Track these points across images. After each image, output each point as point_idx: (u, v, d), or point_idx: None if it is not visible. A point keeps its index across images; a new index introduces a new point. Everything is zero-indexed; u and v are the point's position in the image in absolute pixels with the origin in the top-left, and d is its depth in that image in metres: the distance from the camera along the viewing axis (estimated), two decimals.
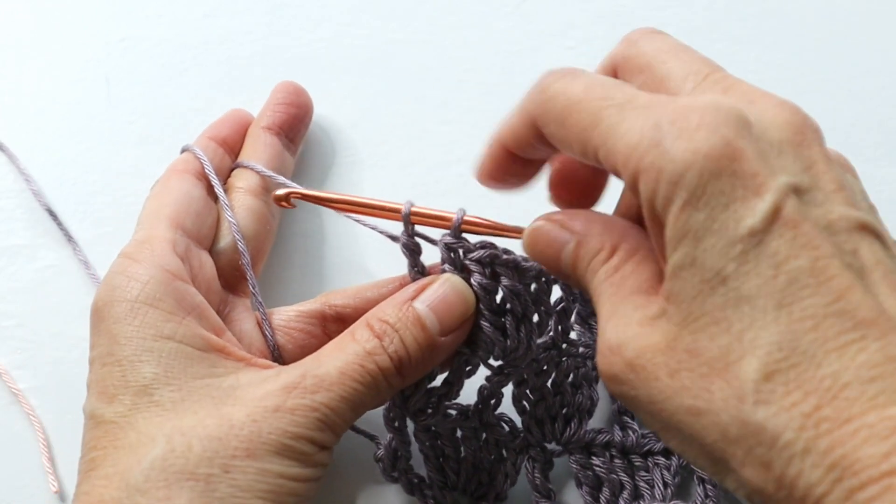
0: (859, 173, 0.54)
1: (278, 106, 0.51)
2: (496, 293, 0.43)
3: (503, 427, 0.46)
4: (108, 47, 0.57)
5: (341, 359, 0.40)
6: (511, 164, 0.39)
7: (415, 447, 0.46)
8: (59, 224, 0.52)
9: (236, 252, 0.46)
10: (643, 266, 0.34)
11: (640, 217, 0.34)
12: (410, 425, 0.45)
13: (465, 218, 0.42)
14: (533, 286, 0.43)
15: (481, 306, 0.43)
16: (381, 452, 0.45)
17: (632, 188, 0.32)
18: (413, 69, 0.57)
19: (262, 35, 0.58)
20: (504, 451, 0.46)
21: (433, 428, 0.46)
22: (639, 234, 0.36)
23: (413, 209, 0.42)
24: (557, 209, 0.40)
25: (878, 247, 0.31)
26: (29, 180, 0.53)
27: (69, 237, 0.52)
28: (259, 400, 0.39)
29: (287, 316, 0.46)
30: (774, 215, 0.30)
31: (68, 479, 0.47)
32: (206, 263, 0.45)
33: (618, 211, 0.40)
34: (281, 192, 0.45)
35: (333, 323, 0.46)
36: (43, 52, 0.57)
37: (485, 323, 0.43)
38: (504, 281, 0.42)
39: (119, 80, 0.57)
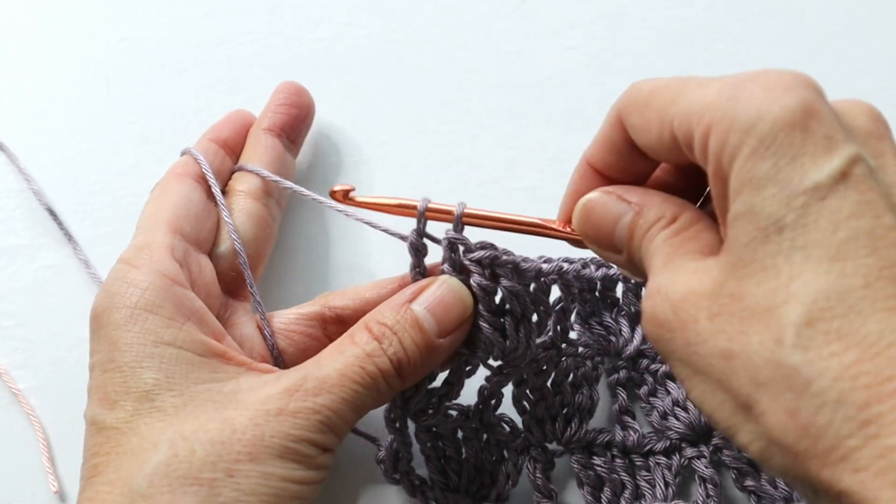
0: None
1: (279, 107, 0.51)
2: (495, 294, 0.43)
3: (504, 427, 0.46)
4: (108, 47, 0.57)
5: (341, 361, 0.40)
6: (596, 188, 0.39)
7: (416, 449, 0.46)
8: (60, 224, 0.52)
9: (236, 256, 0.46)
10: (703, 235, 0.35)
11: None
12: (412, 427, 0.45)
13: (466, 211, 0.42)
14: (532, 286, 0.43)
15: (480, 307, 0.43)
16: (382, 454, 0.45)
17: (702, 147, 0.32)
18: (413, 69, 0.57)
19: (262, 35, 0.58)
20: (505, 452, 0.46)
21: (434, 429, 0.46)
22: (699, 211, 0.36)
23: (429, 205, 0.42)
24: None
25: None
26: (29, 180, 0.53)
27: (69, 237, 0.52)
28: (261, 403, 0.39)
29: (287, 319, 0.46)
30: (842, 176, 0.30)
31: (68, 479, 0.47)
32: (206, 268, 0.45)
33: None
34: (338, 188, 0.43)
35: (333, 325, 0.46)
36: (43, 52, 0.57)
37: (484, 324, 0.43)
38: (503, 282, 0.42)
39: (119, 80, 0.57)
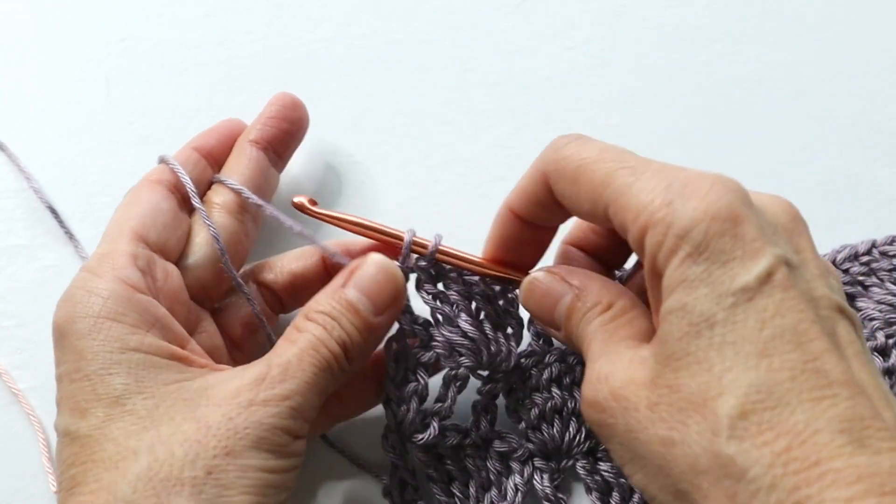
0: (859, 173, 0.55)
1: (270, 119, 0.50)
2: (471, 301, 0.45)
3: (504, 440, 0.47)
4: (108, 47, 0.57)
5: (297, 347, 0.41)
6: (519, 231, 0.43)
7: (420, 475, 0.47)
8: (61, 222, 0.52)
9: (205, 268, 0.46)
10: (636, 321, 0.38)
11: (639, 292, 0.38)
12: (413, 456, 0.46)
13: (440, 248, 0.44)
14: (501, 301, 0.46)
15: (462, 314, 0.44)
16: (388, 485, 0.46)
17: (637, 242, 0.35)
18: (413, 69, 0.57)
19: (262, 35, 0.58)
20: (511, 464, 0.46)
21: (436, 450, 0.46)
22: (632, 296, 0.39)
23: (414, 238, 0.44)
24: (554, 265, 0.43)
25: (852, 329, 0.34)
26: (29, 179, 0.53)
27: (70, 235, 0.52)
28: (232, 397, 0.39)
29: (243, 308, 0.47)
30: (767, 277, 0.33)
31: None
32: (173, 274, 0.44)
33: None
34: (298, 199, 0.46)
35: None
36: (43, 52, 0.57)
37: (469, 327, 0.44)
38: (475, 289, 0.45)
39: (119, 80, 0.57)
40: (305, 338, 0.41)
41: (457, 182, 0.54)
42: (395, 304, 0.43)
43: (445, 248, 0.44)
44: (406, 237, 0.44)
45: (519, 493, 0.46)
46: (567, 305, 0.40)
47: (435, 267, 0.45)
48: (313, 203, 0.46)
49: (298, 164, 0.54)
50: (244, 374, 0.40)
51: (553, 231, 0.44)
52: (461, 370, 0.45)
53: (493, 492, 0.46)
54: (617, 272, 0.46)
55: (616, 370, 0.36)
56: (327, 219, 0.45)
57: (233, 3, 0.59)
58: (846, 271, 0.51)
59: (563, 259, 0.45)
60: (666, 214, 0.34)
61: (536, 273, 0.42)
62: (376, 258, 0.43)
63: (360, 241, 0.46)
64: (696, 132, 0.56)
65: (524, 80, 0.57)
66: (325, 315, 0.42)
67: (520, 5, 0.59)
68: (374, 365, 0.46)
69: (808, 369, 0.31)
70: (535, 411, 0.47)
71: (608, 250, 0.44)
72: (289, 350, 0.41)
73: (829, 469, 0.30)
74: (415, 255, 0.44)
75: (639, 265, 0.44)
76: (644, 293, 0.37)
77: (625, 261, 0.46)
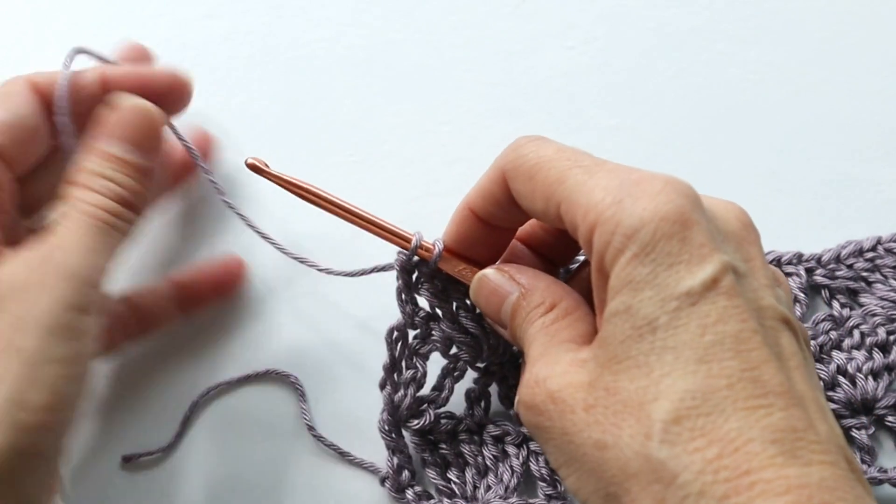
0: (859, 173, 0.55)
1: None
2: (466, 298, 0.45)
3: (497, 425, 0.47)
4: (109, 47, 0.57)
5: (72, 220, 0.40)
6: (476, 231, 0.42)
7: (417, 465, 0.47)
8: None
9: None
10: (578, 324, 0.38)
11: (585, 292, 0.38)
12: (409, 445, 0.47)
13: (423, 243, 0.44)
14: None
15: (462, 312, 0.45)
16: (385, 472, 0.46)
17: (586, 240, 0.35)
18: (413, 69, 0.57)
19: (262, 35, 0.58)
20: (506, 448, 0.47)
21: (431, 437, 0.47)
22: (578, 297, 0.39)
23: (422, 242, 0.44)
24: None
25: (796, 342, 0.34)
26: None
27: None
28: (20, 279, 0.38)
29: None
30: (713, 283, 0.32)
31: (69, 478, 0.47)
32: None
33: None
34: (251, 160, 0.44)
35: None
36: (43, 52, 0.57)
37: (469, 323, 0.45)
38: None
39: None
40: (77, 207, 0.40)
41: (457, 182, 0.54)
42: (157, 141, 0.43)
43: (448, 255, 0.44)
44: (414, 239, 0.43)
45: (515, 476, 0.46)
46: (513, 304, 0.40)
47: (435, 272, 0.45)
48: (266, 165, 0.44)
49: (298, 163, 0.54)
50: (31, 253, 0.39)
51: (510, 234, 0.43)
52: (460, 363, 0.46)
53: (490, 477, 0.47)
54: (562, 269, 0.46)
55: (554, 373, 0.35)
56: (284, 183, 0.44)
57: (233, 3, 0.59)
58: (850, 267, 0.51)
59: (509, 254, 0.44)
60: (615, 213, 0.33)
61: (487, 270, 0.42)
62: (128, 98, 0.42)
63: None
64: (696, 132, 0.56)
65: (524, 80, 0.58)
66: (88, 174, 0.41)
67: (520, 5, 0.59)
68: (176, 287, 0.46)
69: (746, 378, 0.31)
70: None
71: (555, 248, 0.44)
72: (65, 226, 0.39)
73: (759, 479, 0.30)
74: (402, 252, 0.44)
75: (583, 265, 0.44)
76: (587, 293, 0.37)
77: (570, 260, 0.46)
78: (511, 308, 0.40)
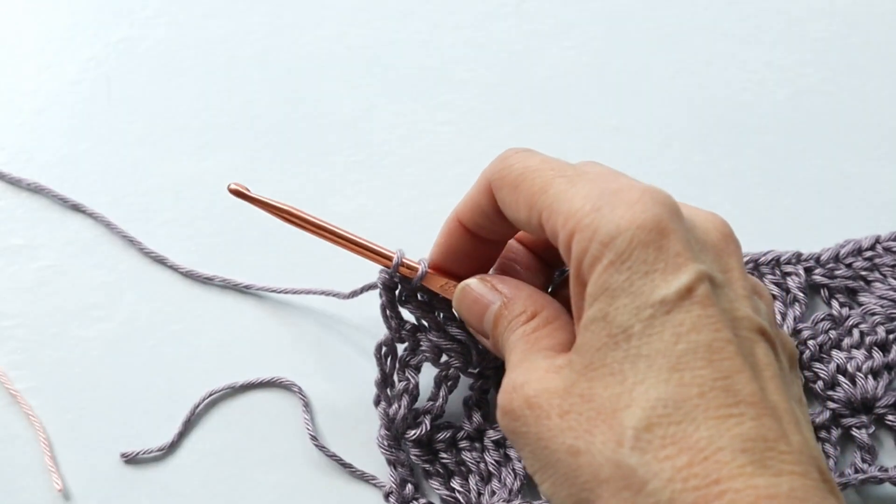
0: (859, 173, 0.55)
1: None
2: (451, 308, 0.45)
3: (497, 430, 0.47)
4: (108, 47, 0.57)
5: None
6: (465, 243, 0.43)
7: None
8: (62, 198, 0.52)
9: None
10: (558, 332, 0.38)
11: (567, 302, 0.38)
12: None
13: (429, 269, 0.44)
14: None
15: (448, 322, 0.45)
16: (388, 487, 0.46)
17: (565, 248, 0.35)
18: (413, 69, 0.57)
19: (262, 35, 0.58)
20: (508, 452, 0.47)
21: (433, 446, 0.47)
22: (559, 307, 0.40)
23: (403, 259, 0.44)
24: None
25: (772, 353, 0.34)
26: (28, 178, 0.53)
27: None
28: None
29: None
30: (687, 292, 0.32)
31: (69, 478, 0.47)
32: None
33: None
34: (234, 185, 0.44)
35: None
36: (43, 52, 0.57)
37: (456, 330, 0.45)
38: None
39: (119, 80, 0.57)
40: None
41: (457, 182, 0.54)
42: None
43: (433, 273, 0.44)
44: (395, 257, 0.44)
45: (518, 479, 0.46)
46: (495, 313, 0.40)
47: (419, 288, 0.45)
48: (247, 190, 0.44)
49: (298, 163, 0.54)
50: None
51: (499, 247, 0.44)
52: (451, 371, 0.46)
53: (494, 482, 0.47)
54: (557, 272, 0.46)
55: (531, 379, 0.36)
56: (267, 207, 0.44)
57: (233, 3, 0.59)
58: (849, 266, 0.51)
59: (506, 253, 0.45)
60: (592, 220, 0.34)
61: (469, 280, 0.42)
62: None
63: None
64: (696, 132, 0.56)
65: (524, 80, 0.58)
66: None
67: (520, 5, 0.59)
68: None
69: (718, 387, 0.31)
70: None
71: (550, 249, 0.44)
72: None
73: (728, 488, 0.30)
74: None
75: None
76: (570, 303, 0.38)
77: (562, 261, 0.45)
78: (493, 317, 0.41)
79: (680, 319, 0.32)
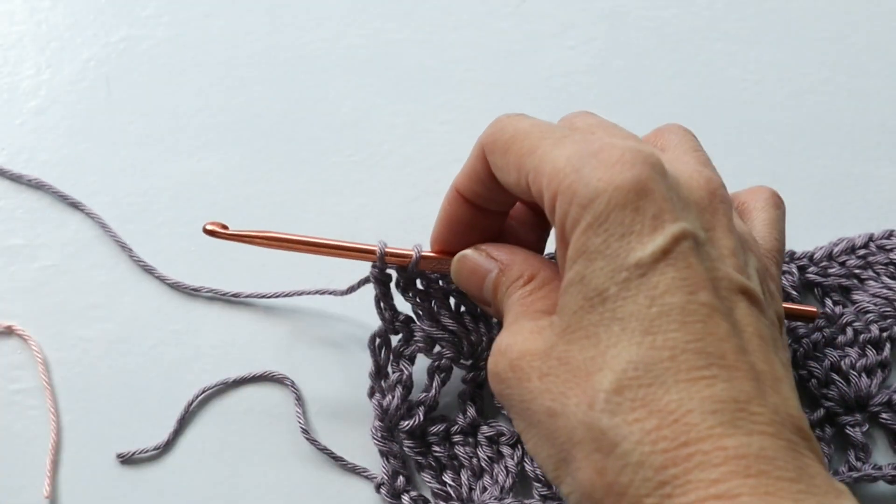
0: (859, 173, 0.55)
1: None
2: (449, 298, 0.46)
3: (491, 425, 0.48)
4: (108, 47, 0.57)
5: None
6: (465, 214, 0.42)
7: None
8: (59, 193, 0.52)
9: None
10: (553, 293, 0.38)
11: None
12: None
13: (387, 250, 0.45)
14: None
15: (442, 311, 0.46)
16: (380, 478, 0.46)
17: (549, 209, 0.35)
18: (413, 69, 0.57)
19: (262, 35, 0.58)
20: (501, 449, 0.47)
21: (426, 438, 0.47)
22: (554, 269, 0.39)
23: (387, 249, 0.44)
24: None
25: (755, 311, 0.34)
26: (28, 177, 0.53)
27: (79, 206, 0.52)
28: None
29: None
30: (662, 255, 0.32)
31: (70, 478, 0.47)
32: None
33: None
34: (210, 226, 0.45)
35: None
36: (43, 52, 0.57)
37: (448, 321, 0.45)
38: (454, 284, 0.45)
39: (119, 80, 0.57)
40: None
41: None
42: None
43: (426, 254, 0.44)
44: (378, 249, 0.44)
45: (510, 476, 0.46)
46: (493, 280, 0.40)
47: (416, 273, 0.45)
48: (224, 227, 0.45)
49: (298, 163, 0.54)
50: None
51: (501, 218, 0.43)
52: (443, 361, 0.47)
53: (486, 478, 0.47)
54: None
55: (516, 342, 0.36)
56: (244, 239, 0.45)
57: (233, 3, 0.59)
58: (843, 264, 0.51)
59: (514, 211, 0.44)
60: (573, 182, 0.33)
61: (465, 251, 0.42)
62: None
63: None
64: (696, 132, 0.56)
65: (524, 80, 0.58)
66: None
67: (520, 5, 0.59)
68: None
69: (690, 349, 0.31)
70: None
71: (493, 202, 0.44)
72: None
73: (697, 450, 0.30)
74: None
75: None
76: None
77: None
78: (492, 284, 0.41)
79: (655, 282, 0.32)
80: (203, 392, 0.49)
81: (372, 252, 0.45)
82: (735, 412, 0.30)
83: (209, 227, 0.45)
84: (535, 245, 0.44)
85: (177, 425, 0.48)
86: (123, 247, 0.52)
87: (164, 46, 0.58)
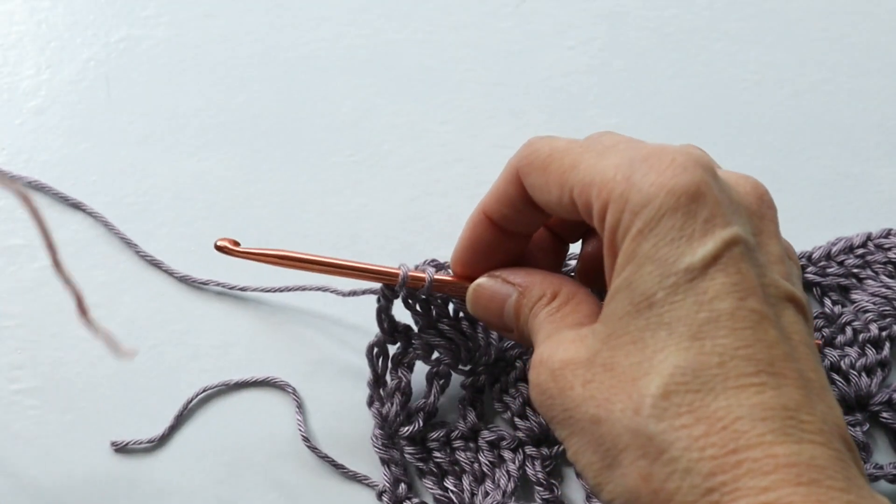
0: (859, 173, 0.55)
1: None
2: (448, 303, 0.46)
3: (491, 430, 0.47)
4: (108, 47, 0.57)
5: None
6: (491, 237, 0.42)
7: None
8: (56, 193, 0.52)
9: None
10: (582, 306, 0.38)
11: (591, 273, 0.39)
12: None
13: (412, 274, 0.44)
14: None
15: (441, 317, 0.46)
16: (381, 486, 0.46)
17: (599, 219, 0.34)
18: (413, 69, 0.57)
19: (262, 35, 0.58)
20: (502, 453, 0.47)
21: (427, 444, 0.47)
22: (574, 282, 0.40)
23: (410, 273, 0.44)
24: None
25: (801, 319, 0.34)
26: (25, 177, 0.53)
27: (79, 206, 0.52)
28: None
29: None
30: (713, 260, 0.32)
31: (67, 477, 0.47)
32: None
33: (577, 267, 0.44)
34: (221, 242, 0.45)
35: None
36: (43, 52, 0.57)
37: (446, 327, 0.46)
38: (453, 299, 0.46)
39: (119, 80, 0.57)
40: None
41: (457, 182, 0.54)
42: None
43: (439, 277, 0.44)
44: (401, 274, 0.44)
45: (511, 481, 0.46)
46: (513, 305, 0.40)
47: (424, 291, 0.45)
48: (235, 244, 0.45)
49: (298, 163, 0.54)
50: None
51: (525, 241, 0.43)
52: (441, 367, 0.47)
53: (487, 482, 0.47)
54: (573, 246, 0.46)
55: (557, 352, 0.35)
56: (258, 257, 0.44)
57: (233, 3, 0.59)
58: (841, 263, 0.51)
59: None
60: (625, 190, 0.33)
61: (478, 280, 0.42)
62: None
63: None
64: (696, 132, 0.56)
65: (524, 80, 0.58)
66: None
67: (520, 5, 0.59)
68: None
69: (739, 356, 0.31)
70: (519, 400, 0.47)
71: (567, 225, 0.44)
72: None
73: (746, 457, 0.29)
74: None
75: (585, 249, 0.44)
76: (587, 275, 0.39)
77: (579, 236, 0.45)
78: (513, 309, 0.40)
79: (704, 287, 0.31)
80: (204, 391, 0.49)
81: (392, 275, 0.44)
82: (785, 420, 0.30)
83: (220, 244, 0.45)
84: (552, 270, 0.43)
85: (174, 421, 0.48)
86: (129, 243, 0.52)
87: (164, 46, 0.58)
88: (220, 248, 0.45)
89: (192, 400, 0.48)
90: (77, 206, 0.53)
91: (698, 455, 0.30)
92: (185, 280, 0.51)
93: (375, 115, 0.56)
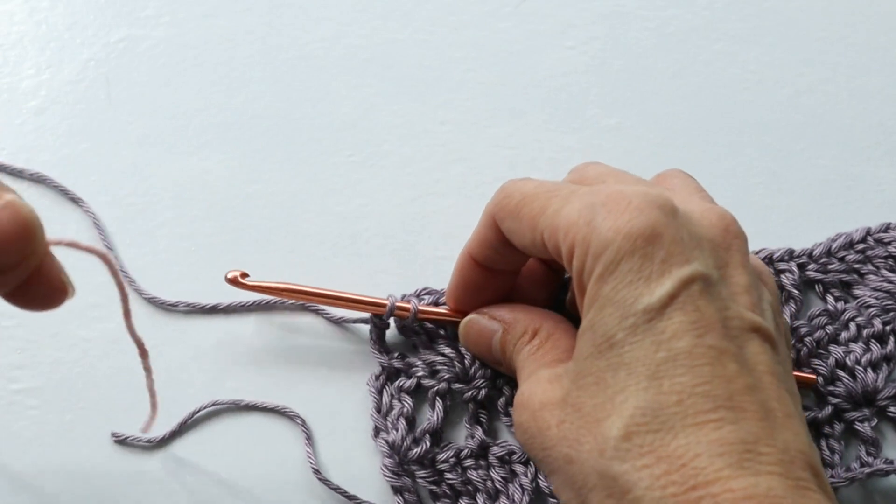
0: (859, 173, 0.55)
1: None
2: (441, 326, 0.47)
3: (500, 445, 0.47)
4: (108, 47, 0.57)
5: None
6: (479, 276, 0.44)
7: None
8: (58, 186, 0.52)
9: None
10: (560, 342, 0.39)
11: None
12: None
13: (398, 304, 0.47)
14: None
15: (436, 337, 0.47)
16: None
17: (568, 262, 0.36)
18: (413, 69, 0.57)
19: (262, 35, 0.58)
20: (514, 468, 0.47)
21: (437, 466, 0.47)
22: (556, 318, 0.41)
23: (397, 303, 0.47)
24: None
25: (767, 348, 0.34)
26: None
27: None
28: None
29: None
30: (671, 299, 0.32)
31: (66, 476, 0.47)
32: None
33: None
34: (232, 274, 0.47)
35: None
36: (43, 52, 0.57)
37: (442, 346, 0.47)
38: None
39: (119, 80, 0.57)
40: None
41: (457, 182, 0.54)
42: (32, 250, 0.35)
43: (423, 310, 0.47)
44: (389, 304, 0.46)
45: (526, 494, 0.46)
46: (499, 340, 0.42)
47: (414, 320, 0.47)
48: (244, 276, 0.47)
49: (298, 163, 0.54)
50: None
51: (512, 277, 0.45)
52: (441, 385, 0.47)
53: (502, 499, 0.46)
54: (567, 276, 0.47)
55: (535, 392, 0.37)
56: (265, 290, 0.47)
57: (233, 3, 0.59)
58: (842, 260, 0.51)
59: (524, 270, 0.46)
60: (586, 234, 0.34)
61: (469, 315, 0.44)
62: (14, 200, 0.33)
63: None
64: (696, 132, 0.56)
65: (524, 80, 0.58)
66: None
67: (520, 5, 0.59)
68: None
69: (697, 393, 0.31)
70: None
71: (505, 263, 0.45)
72: None
73: (706, 493, 0.30)
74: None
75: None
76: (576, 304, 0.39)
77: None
78: (499, 344, 0.42)
79: (662, 327, 0.32)
80: (213, 404, 0.48)
81: (381, 305, 0.47)
82: (742, 454, 0.31)
83: (231, 276, 0.47)
84: (546, 301, 0.45)
85: (177, 427, 0.48)
86: (109, 249, 0.51)
87: (163, 46, 0.58)
88: (230, 281, 0.47)
89: (197, 411, 0.48)
90: (76, 202, 0.53)
91: (660, 493, 0.31)
92: (153, 301, 0.51)
93: (375, 115, 0.56)
